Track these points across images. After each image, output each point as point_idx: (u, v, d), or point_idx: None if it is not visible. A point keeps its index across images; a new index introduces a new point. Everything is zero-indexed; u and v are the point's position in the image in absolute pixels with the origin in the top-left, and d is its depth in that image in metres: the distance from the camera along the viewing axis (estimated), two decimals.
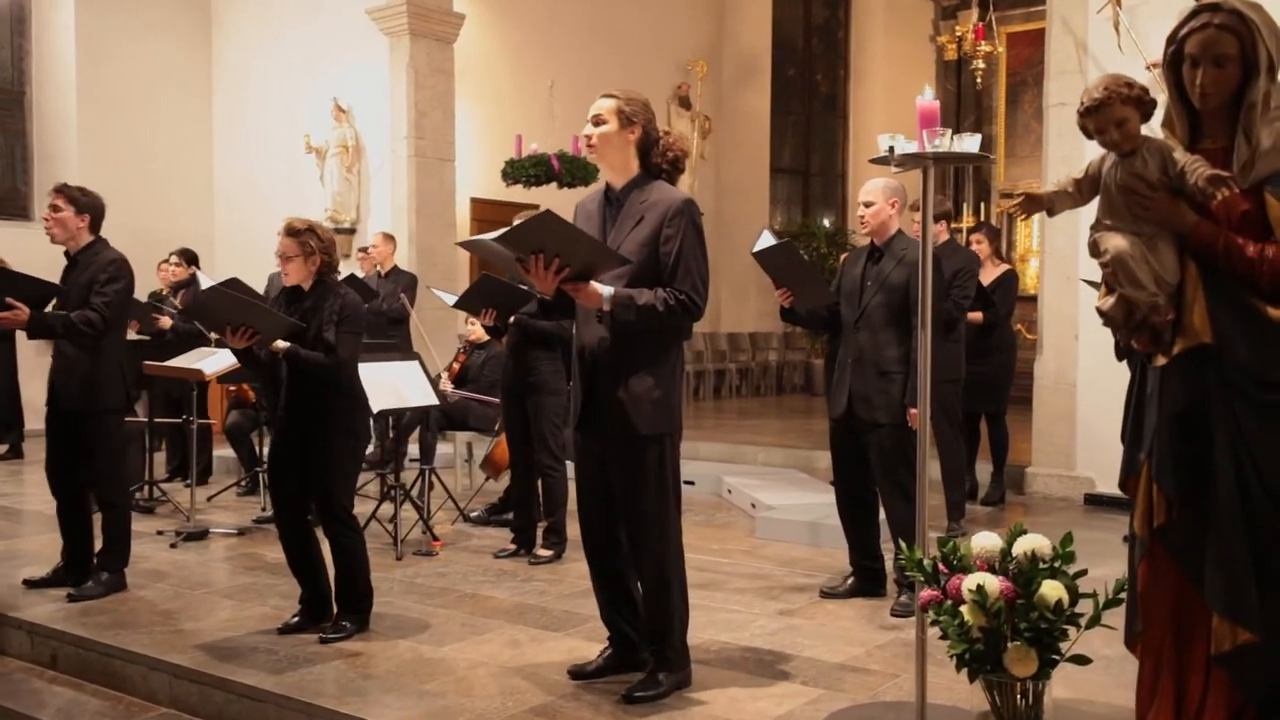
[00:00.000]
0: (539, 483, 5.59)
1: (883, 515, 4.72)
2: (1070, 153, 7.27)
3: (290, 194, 11.11)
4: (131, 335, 8.08)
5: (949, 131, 3.04)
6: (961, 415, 6.30)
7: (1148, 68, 6.86)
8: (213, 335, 6.11)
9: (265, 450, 7.16)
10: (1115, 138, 2.70)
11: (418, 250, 10.25)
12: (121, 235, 9.94)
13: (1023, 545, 2.71)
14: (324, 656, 3.93)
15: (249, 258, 10.90)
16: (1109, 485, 7.14)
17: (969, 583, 2.60)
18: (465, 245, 3.52)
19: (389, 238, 8.73)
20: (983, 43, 9.42)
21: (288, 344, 4.03)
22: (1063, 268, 7.35)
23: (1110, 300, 2.68)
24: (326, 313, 4.08)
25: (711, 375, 14.05)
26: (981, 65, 9.75)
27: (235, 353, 4.12)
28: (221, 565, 5.45)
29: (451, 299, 5.29)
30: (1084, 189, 2.86)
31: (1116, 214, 2.71)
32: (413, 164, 10.41)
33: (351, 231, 10.66)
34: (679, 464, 3.55)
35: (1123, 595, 2.70)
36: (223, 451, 8.07)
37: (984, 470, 7.16)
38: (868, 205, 4.59)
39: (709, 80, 14.83)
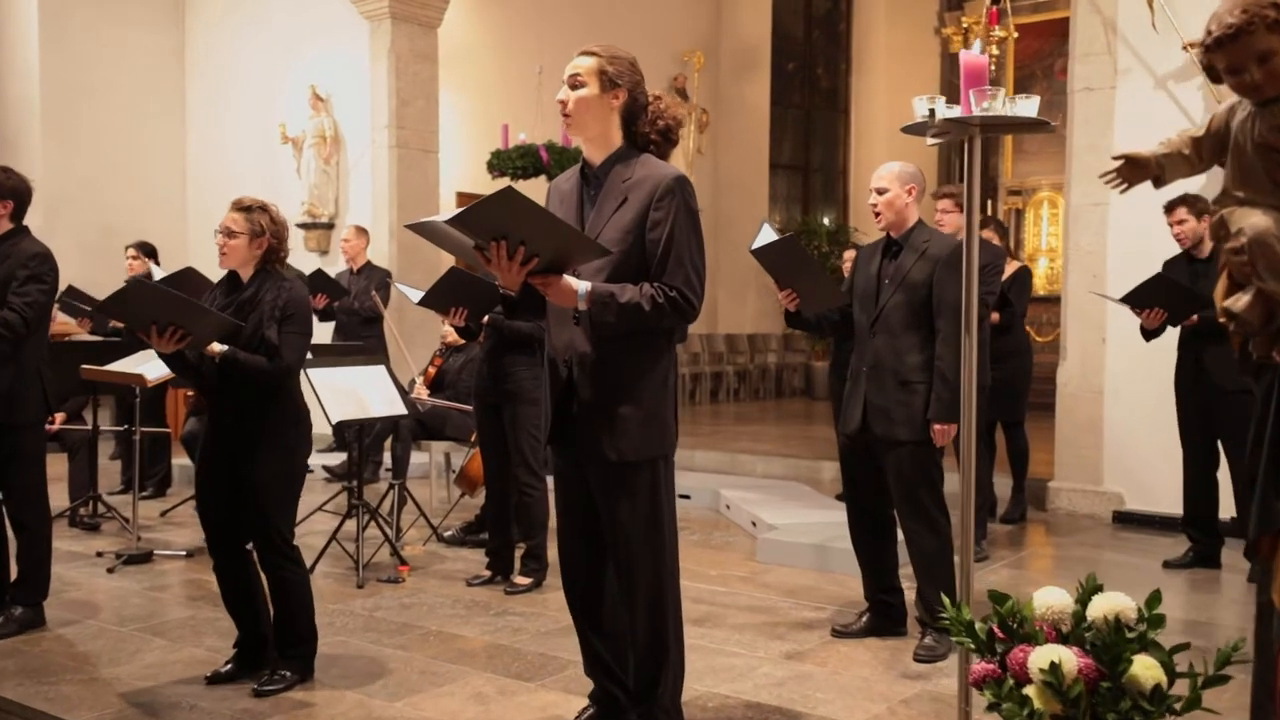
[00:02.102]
0: (516, 501, 5.03)
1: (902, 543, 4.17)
2: (1098, 140, 6.75)
3: (266, 186, 10.45)
4: (84, 335, 7.59)
5: (1000, 91, 2.47)
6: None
7: (1185, 48, 6.33)
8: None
9: None
10: (1255, 78, 2.11)
11: (399, 246, 9.68)
12: (88, 228, 9.20)
13: (1101, 607, 2.15)
14: (257, 713, 3.36)
15: None
16: (1139, 501, 6.60)
17: (1039, 659, 2.04)
18: (415, 228, 2.96)
19: (361, 231, 8.16)
20: (996, 28, 8.86)
21: (224, 347, 3.47)
22: (1089, 265, 6.79)
23: (1244, 298, 2.11)
24: (268, 307, 3.51)
25: (708, 379, 13.49)
26: (996, 52, 9.19)
27: (163, 357, 3.55)
28: (162, 595, 4.88)
29: (417, 295, 4.73)
30: (1205, 150, 2.28)
31: (1252, 182, 2.14)
32: (394, 155, 9.84)
33: (330, 226, 10.09)
34: (674, 489, 2.99)
35: (1228, 672, 2.12)
36: (183, 460, 7.50)
37: (1001, 484, 6.60)
38: (881, 193, 4.02)
39: (706, 72, 14.28)
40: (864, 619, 4.24)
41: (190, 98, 11.29)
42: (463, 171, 11.16)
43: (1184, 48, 6.31)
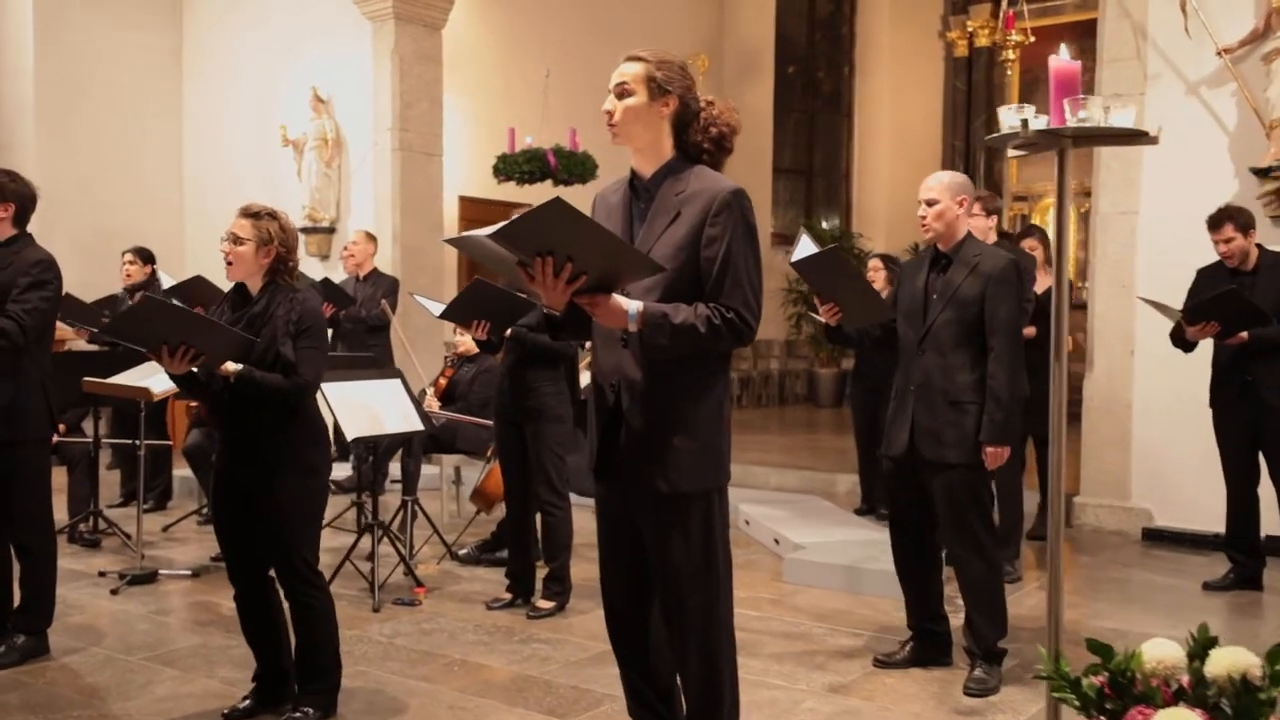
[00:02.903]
0: (538, 521, 4.84)
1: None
2: (1125, 150, 6.57)
3: (266, 189, 10.27)
4: (82, 344, 7.37)
5: (1098, 100, 2.29)
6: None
7: (1219, 53, 6.18)
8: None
9: None
10: None
11: (402, 251, 9.48)
12: (83, 232, 8.93)
13: (1223, 664, 1.97)
14: None
15: (221, 257, 10.14)
16: (1169, 518, 6.44)
17: None
18: (454, 243, 2.76)
19: (370, 237, 7.97)
20: (1013, 33, 8.71)
21: (240, 365, 3.27)
22: (1117, 275, 6.64)
23: None
24: (281, 321, 3.31)
25: None
26: (1011, 56, 9.04)
27: (173, 377, 3.36)
28: (169, 619, 4.67)
29: (437, 308, 4.53)
30: None
31: None
32: (397, 158, 9.64)
33: (331, 230, 9.90)
34: (728, 523, 2.80)
35: None
36: (184, 471, 7.29)
37: (1029, 499, 6.43)
38: (931, 204, 3.84)
39: (710, 75, 14.09)
40: (908, 648, 4.06)
41: (188, 99, 11.08)
42: (466, 176, 10.97)
43: (1218, 53, 6.16)
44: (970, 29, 15.03)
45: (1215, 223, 5.02)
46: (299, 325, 3.31)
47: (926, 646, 4.03)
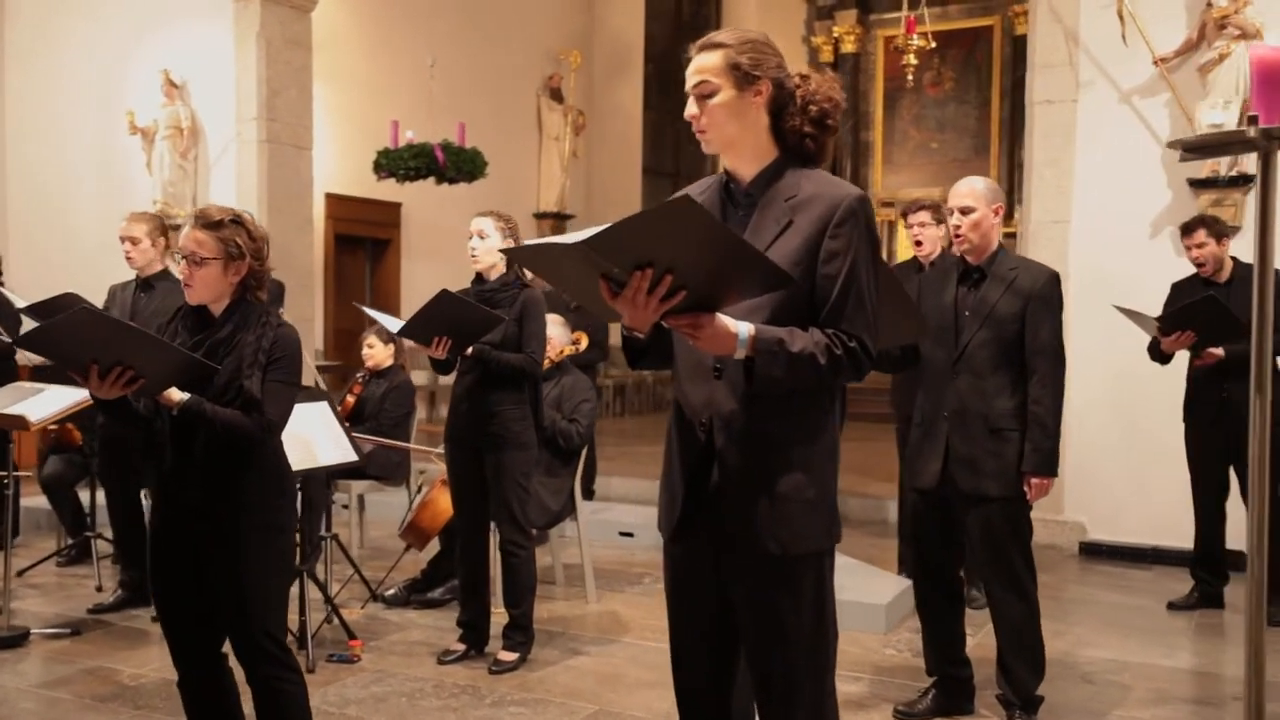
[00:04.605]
0: (499, 562, 4.31)
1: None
2: (1059, 155, 6.50)
3: (108, 182, 9.31)
4: None
5: None
6: None
7: (1155, 63, 6.13)
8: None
9: (95, 506, 5.58)
10: None
11: (272, 250, 8.64)
12: None
13: None
14: None
15: (58, 261, 9.06)
16: (1102, 531, 6.38)
17: None
18: (513, 253, 2.23)
19: None
20: (915, 37, 8.59)
21: (186, 395, 2.65)
22: None
23: None
24: (250, 350, 2.70)
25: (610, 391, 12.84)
26: (914, 61, 8.93)
27: (100, 404, 2.69)
28: (60, 694, 3.91)
29: (393, 324, 3.94)
30: None
31: None
32: (264, 150, 8.78)
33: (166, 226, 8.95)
34: (834, 590, 2.38)
35: None
36: (33, 501, 6.39)
37: None
38: (966, 212, 3.51)
39: (582, 72, 13.64)
40: (930, 696, 3.72)
41: (9, 81, 9.89)
42: (333, 171, 10.19)
43: (1154, 63, 6.11)
44: (836, 34, 15.06)
45: (1188, 229, 4.91)
46: (270, 355, 2.71)
47: (951, 694, 3.71)
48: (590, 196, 14.06)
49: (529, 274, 4.26)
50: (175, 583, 2.78)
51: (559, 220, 12.93)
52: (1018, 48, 13.41)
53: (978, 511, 3.48)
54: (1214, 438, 4.92)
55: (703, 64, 2.24)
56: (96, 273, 8.67)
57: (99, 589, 5.18)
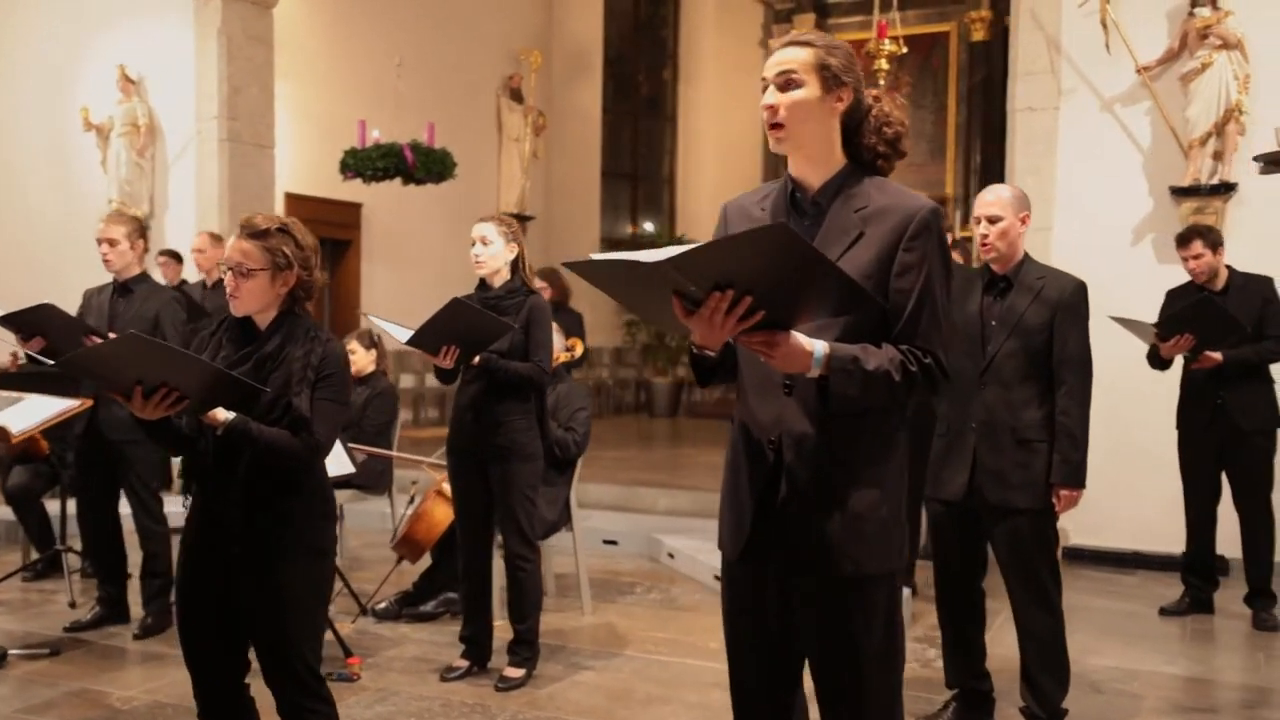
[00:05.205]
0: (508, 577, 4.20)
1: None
2: (1040, 162, 6.51)
3: (60, 180, 9.04)
4: None
5: None
6: None
7: (1138, 71, 6.17)
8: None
9: (65, 518, 5.37)
10: None
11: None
12: None
13: None
14: None
15: (6, 261, 8.78)
16: (1085, 537, 6.41)
17: None
18: (577, 266, 2.11)
19: (217, 239, 6.97)
20: (886, 41, 8.61)
21: (231, 415, 2.52)
22: None
23: None
24: (298, 366, 2.58)
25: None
26: (885, 66, 8.94)
27: (143, 424, 2.53)
28: (47, 719, 3.74)
29: (402, 333, 3.80)
30: None
31: None
32: (225, 149, 8.56)
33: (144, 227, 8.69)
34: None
35: None
36: None
37: None
38: (993, 221, 3.47)
39: (541, 72, 13.50)
40: (951, 710, 3.68)
41: None
42: (292, 171, 9.97)
43: (1137, 71, 6.15)
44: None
45: (1184, 239, 4.93)
46: (319, 371, 2.58)
47: (971, 707, 3.67)
48: (550, 198, 13.94)
49: (537, 281, 4.17)
50: (205, 607, 2.64)
51: (520, 222, 12.76)
52: (974, 53, 13.57)
53: (1005, 524, 3.44)
54: (1207, 443, 4.95)
55: (791, 56, 2.18)
56: (49, 274, 8.42)
57: (73, 605, 4.97)
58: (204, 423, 2.54)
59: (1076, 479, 3.40)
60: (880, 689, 2.24)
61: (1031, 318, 3.45)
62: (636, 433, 12.00)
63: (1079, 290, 3.49)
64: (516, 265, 4.12)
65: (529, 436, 4.04)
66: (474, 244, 4.09)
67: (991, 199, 3.49)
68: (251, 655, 2.70)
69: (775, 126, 2.19)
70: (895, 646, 2.26)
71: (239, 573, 2.58)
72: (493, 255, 4.06)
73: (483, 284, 4.12)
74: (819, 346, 2.04)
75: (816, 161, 2.23)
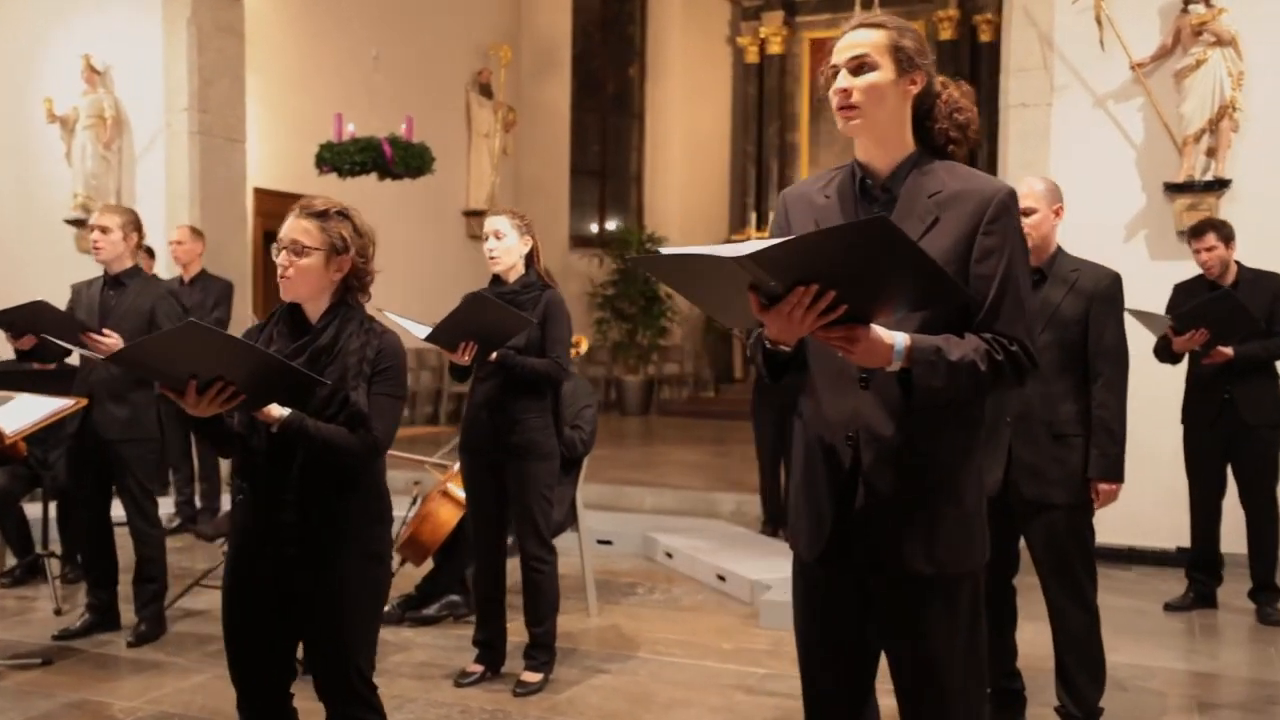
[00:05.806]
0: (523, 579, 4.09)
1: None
2: (1033, 158, 6.51)
3: (22, 173, 8.76)
4: None
5: None
6: None
7: (1133, 68, 6.18)
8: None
9: (47, 522, 5.18)
10: None
11: (206, 249, 8.20)
12: None
13: None
14: None
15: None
16: None
17: None
18: (645, 263, 2.00)
19: (196, 233, 6.79)
20: None
21: (287, 411, 2.39)
22: None
23: None
24: (354, 359, 2.45)
25: None
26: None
27: (195, 422, 2.38)
28: None
29: (419, 329, 3.67)
30: None
31: None
32: (195, 143, 8.35)
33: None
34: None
35: None
36: None
37: None
38: (1027, 214, 3.42)
39: (511, 68, 13.35)
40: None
41: None
42: (261, 165, 9.75)
43: (1131, 68, 6.16)
44: (763, 35, 15.03)
45: (1198, 231, 4.93)
46: (375, 365, 2.46)
47: (1004, 706, 3.62)
48: (519, 194, 13.79)
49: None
50: (256, 611, 2.50)
51: None
52: (941, 51, 13.58)
53: (1041, 519, 3.40)
54: (1213, 438, 4.96)
55: (863, 38, 2.11)
56: (11, 269, 8.16)
57: (58, 612, 4.78)
58: (256, 420, 2.41)
59: (1115, 473, 3.37)
60: (966, 692, 2.17)
61: (1067, 310, 3.40)
62: (610, 431, 11.89)
63: (1114, 281, 3.45)
64: (530, 259, 4.02)
65: (545, 435, 3.94)
66: (487, 239, 3.99)
67: (1024, 191, 3.44)
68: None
69: (848, 108, 2.12)
70: (978, 643, 2.20)
71: (294, 572, 2.45)
72: (507, 249, 3.96)
73: (496, 279, 4.01)
74: (899, 339, 1.96)
75: (889, 146, 2.16)
